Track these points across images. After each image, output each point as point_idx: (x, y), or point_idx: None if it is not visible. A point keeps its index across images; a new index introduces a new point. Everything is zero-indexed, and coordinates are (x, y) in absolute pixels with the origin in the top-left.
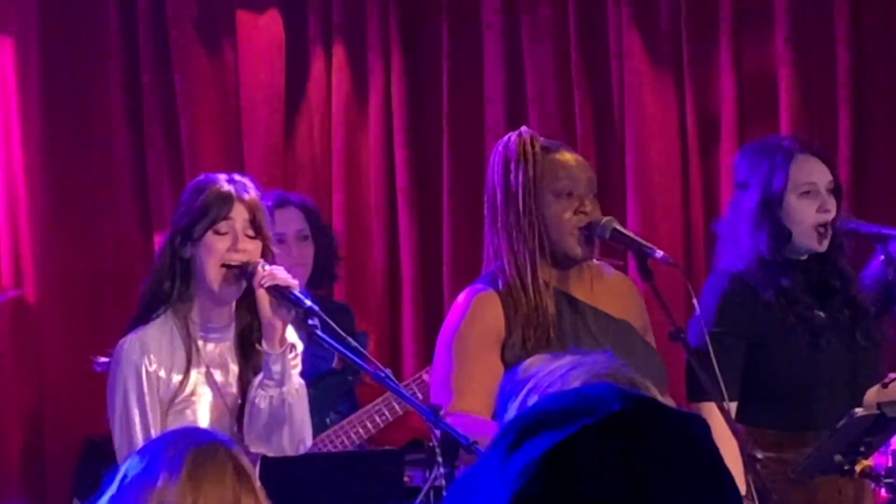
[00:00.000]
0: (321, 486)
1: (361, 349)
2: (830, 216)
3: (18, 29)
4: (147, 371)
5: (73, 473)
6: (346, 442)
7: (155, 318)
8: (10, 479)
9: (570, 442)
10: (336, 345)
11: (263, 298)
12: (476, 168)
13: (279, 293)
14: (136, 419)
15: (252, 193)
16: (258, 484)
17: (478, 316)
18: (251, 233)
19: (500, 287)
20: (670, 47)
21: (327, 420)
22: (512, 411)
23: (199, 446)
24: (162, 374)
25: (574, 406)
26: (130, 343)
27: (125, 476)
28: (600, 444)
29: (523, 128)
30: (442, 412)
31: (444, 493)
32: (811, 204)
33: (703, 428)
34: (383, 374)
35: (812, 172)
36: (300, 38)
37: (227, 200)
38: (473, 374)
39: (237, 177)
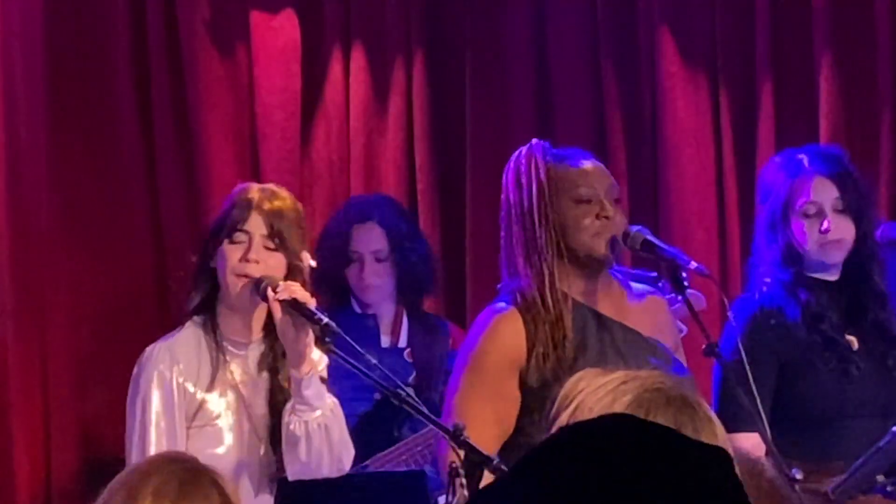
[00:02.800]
0: None
1: (380, 366)
2: (837, 235)
3: (23, 32)
4: (176, 382)
5: (80, 496)
6: (410, 461)
7: (184, 327)
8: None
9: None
10: (353, 361)
11: (276, 311)
12: (500, 175)
13: (294, 307)
14: (153, 430)
15: (277, 203)
16: None
17: (497, 338)
18: (271, 244)
19: (520, 303)
20: (704, 49)
21: (395, 434)
22: (556, 427)
23: (186, 473)
24: (189, 386)
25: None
26: (160, 350)
27: (106, 500)
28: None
29: (534, 140)
30: (465, 433)
31: None
32: (813, 224)
33: (726, 462)
34: (403, 393)
35: (815, 191)
36: (317, 39)
37: (244, 209)
38: (486, 401)
39: (271, 186)
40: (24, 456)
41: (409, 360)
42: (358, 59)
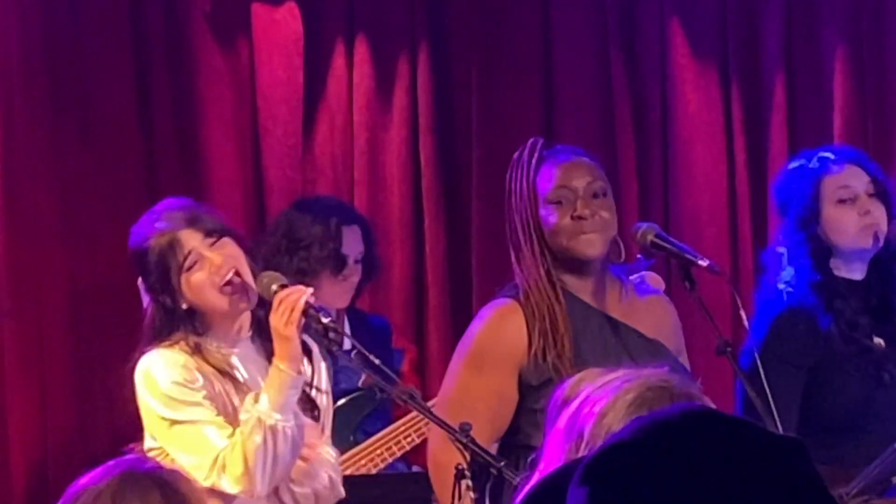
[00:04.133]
0: None
1: (383, 366)
2: (874, 219)
3: (22, 25)
4: (187, 370)
5: None
6: (370, 465)
7: (175, 343)
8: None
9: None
10: (357, 361)
11: (293, 339)
12: (506, 170)
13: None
14: (199, 408)
15: (187, 213)
16: None
17: (498, 332)
18: (212, 240)
19: (521, 299)
20: (715, 41)
21: (350, 439)
22: (562, 423)
23: (126, 473)
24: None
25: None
26: (160, 359)
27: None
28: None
29: (532, 139)
30: (471, 432)
31: None
32: (848, 210)
33: (802, 451)
34: (408, 393)
35: (847, 177)
36: (319, 31)
37: (171, 242)
38: (483, 396)
39: (161, 209)
40: (21, 454)
41: (355, 365)
42: (361, 51)
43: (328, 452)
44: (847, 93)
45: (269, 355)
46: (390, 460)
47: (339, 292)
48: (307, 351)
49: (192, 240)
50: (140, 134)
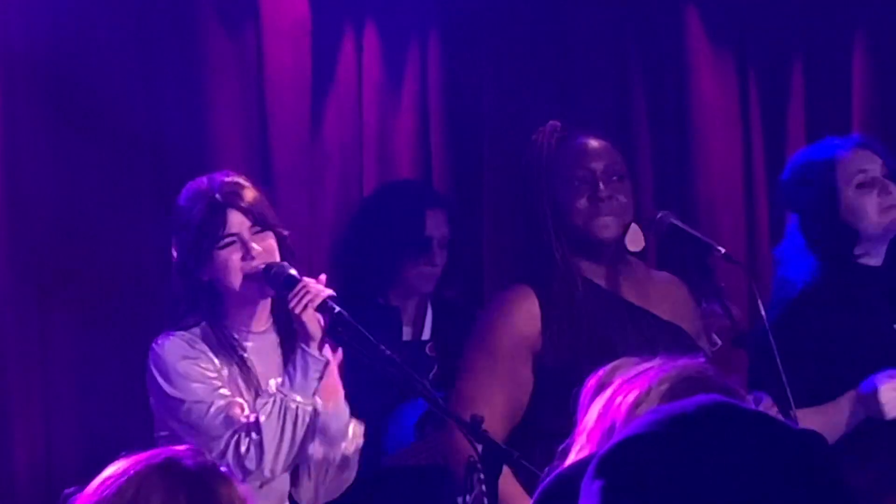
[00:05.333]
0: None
1: (395, 358)
2: (895, 200)
3: (26, 12)
4: (198, 351)
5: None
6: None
7: (189, 328)
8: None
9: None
10: (365, 352)
11: (313, 320)
12: (519, 158)
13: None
14: (208, 392)
15: (245, 194)
16: None
17: (510, 318)
18: (257, 229)
19: (535, 284)
20: (731, 26)
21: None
22: (594, 412)
23: (163, 464)
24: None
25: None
26: (172, 340)
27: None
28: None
29: (549, 122)
30: (483, 424)
31: None
32: (870, 192)
33: (822, 445)
34: (419, 385)
35: (862, 160)
36: (327, 15)
37: (219, 212)
38: (500, 382)
39: (226, 179)
40: (24, 448)
41: (431, 355)
42: (370, 36)
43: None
44: (865, 79)
45: (285, 353)
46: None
47: (422, 276)
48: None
49: (238, 222)
50: (146, 120)
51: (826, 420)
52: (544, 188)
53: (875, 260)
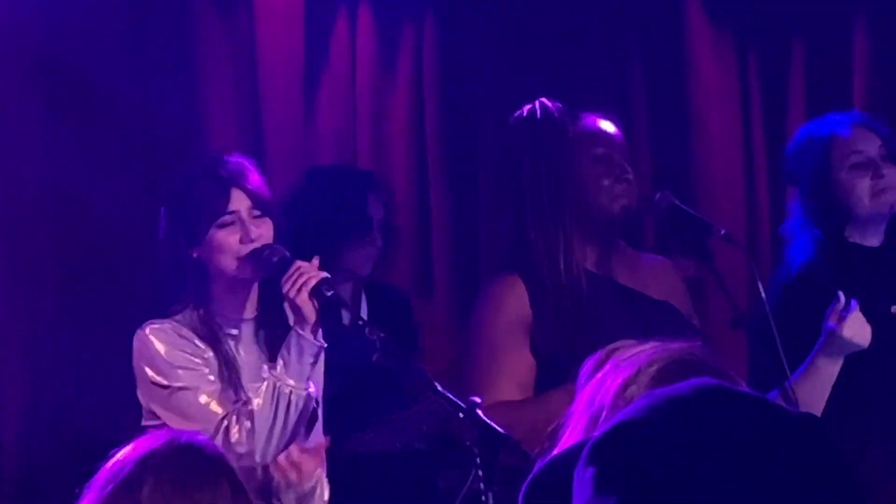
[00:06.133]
0: (348, 489)
1: (389, 342)
2: (889, 183)
3: None
4: (183, 338)
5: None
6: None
7: (173, 315)
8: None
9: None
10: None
11: (307, 304)
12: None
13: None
14: (195, 378)
15: (251, 176)
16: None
17: (503, 304)
18: (257, 213)
19: (526, 270)
20: (731, 6)
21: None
22: (584, 396)
23: (193, 456)
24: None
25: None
26: (152, 328)
27: (107, 480)
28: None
29: (542, 98)
30: (479, 408)
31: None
32: (863, 174)
33: (818, 428)
34: (415, 368)
35: (858, 141)
36: None
37: (224, 189)
38: (502, 368)
39: (233, 158)
40: (10, 431)
41: (372, 338)
42: (364, 18)
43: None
44: (866, 59)
45: (269, 343)
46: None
47: (363, 258)
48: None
49: (240, 202)
50: (139, 105)
51: (811, 383)
52: (564, 167)
53: (873, 241)
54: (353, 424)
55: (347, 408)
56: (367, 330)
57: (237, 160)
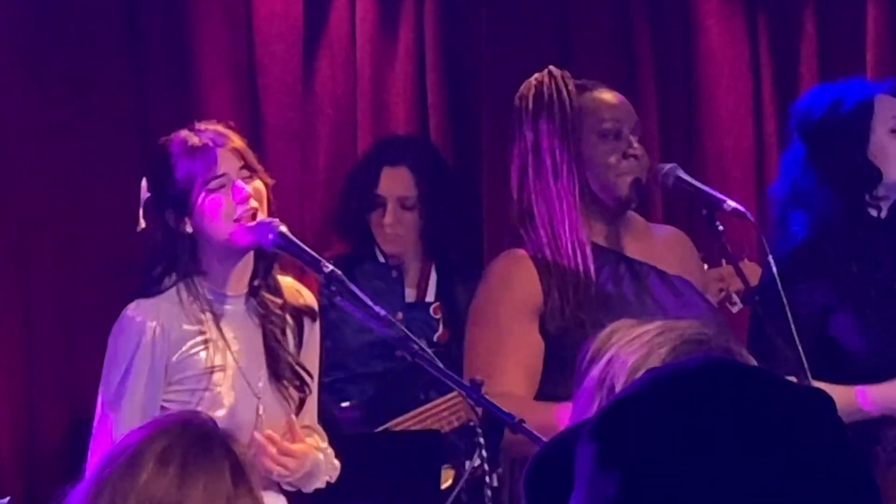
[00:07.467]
0: (353, 469)
1: (391, 318)
2: None
3: None
4: (155, 337)
5: (64, 455)
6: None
7: (164, 290)
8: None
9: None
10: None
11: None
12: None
13: (295, 250)
14: (129, 391)
15: (234, 138)
16: (255, 480)
17: (511, 284)
18: (246, 174)
19: (534, 248)
20: None
21: (421, 396)
22: (591, 376)
23: (195, 439)
24: (175, 342)
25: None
26: (138, 305)
27: (105, 464)
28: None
29: (551, 67)
30: (483, 389)
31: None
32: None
33: (825, 403)
34: (415, 347)
35: (888, 106)
36: None
37: (209, 154)
38: (509, 351)
39: (204, 126)
40: (7, 419)
41: (436, 316)
42: None
43: (317, 442)
44: (880, 24)
45: (260, 318)
46: (457, 424)
47: (381, 236)
48: (299, 325)
49: (228, 163)
50: (131, 72)
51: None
52: (570, 141)
53: (881, 212)
54: (399, 408)
55: (400, 385)
56: (430, 309)
57: (216, 126)
